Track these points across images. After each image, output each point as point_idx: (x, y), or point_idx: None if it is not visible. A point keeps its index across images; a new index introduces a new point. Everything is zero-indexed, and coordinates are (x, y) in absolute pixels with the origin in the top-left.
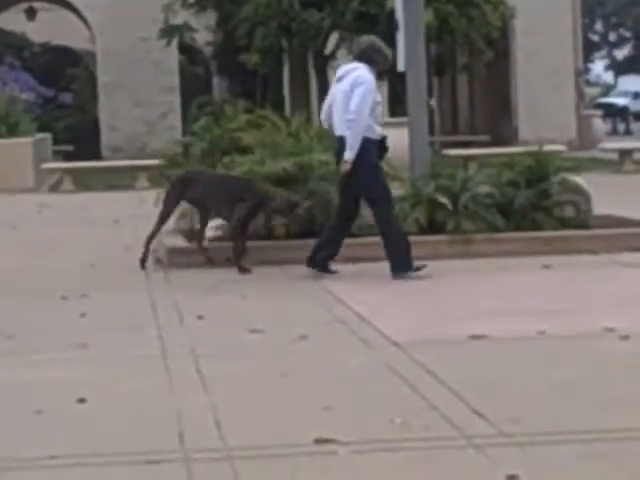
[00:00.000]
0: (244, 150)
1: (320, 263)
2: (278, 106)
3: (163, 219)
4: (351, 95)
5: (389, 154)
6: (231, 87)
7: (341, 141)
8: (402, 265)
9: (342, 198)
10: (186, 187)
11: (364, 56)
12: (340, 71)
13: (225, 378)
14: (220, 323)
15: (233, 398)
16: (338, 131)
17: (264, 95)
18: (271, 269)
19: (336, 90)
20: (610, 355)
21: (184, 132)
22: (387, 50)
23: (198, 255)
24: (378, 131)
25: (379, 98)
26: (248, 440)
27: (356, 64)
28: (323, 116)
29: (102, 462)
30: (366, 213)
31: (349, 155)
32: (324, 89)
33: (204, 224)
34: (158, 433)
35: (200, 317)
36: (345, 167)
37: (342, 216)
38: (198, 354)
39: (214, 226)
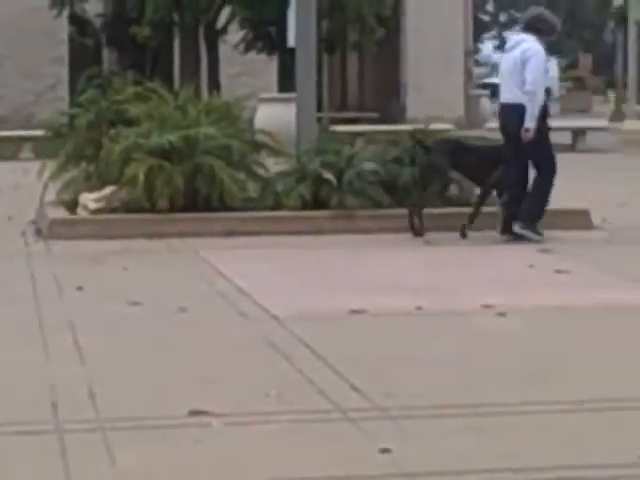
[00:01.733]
0: (130, 122)
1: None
2: (167, 79)
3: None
4: (521, 66)
5: (275, 129)
6: (121, 59)
7: (505, 108)
8: (531, 225)
9: (514, 167)
10: (453, 154)
11: (531, 27)
12: (509, 42)
13: (102, 350)
14: (100, 295)
15: (109, 370)
16: (503, 98)
17: (154, 68)
18: (154, 242)
19: (506, 59)
20: (487, 331)
21: (72, 104)
22: (554, 19)
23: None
24: (542, 98)
25: (547, 69)
26: (122, 411)
27: (524, 35)
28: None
29: None
30: (250, 187)
31: (531, 124)
32: (215, 63)
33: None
34: (31, 403)
35: (79, 288)
36: (528, 135)
37: (518, 185)
38: (76, 325)
39: (96, 198)
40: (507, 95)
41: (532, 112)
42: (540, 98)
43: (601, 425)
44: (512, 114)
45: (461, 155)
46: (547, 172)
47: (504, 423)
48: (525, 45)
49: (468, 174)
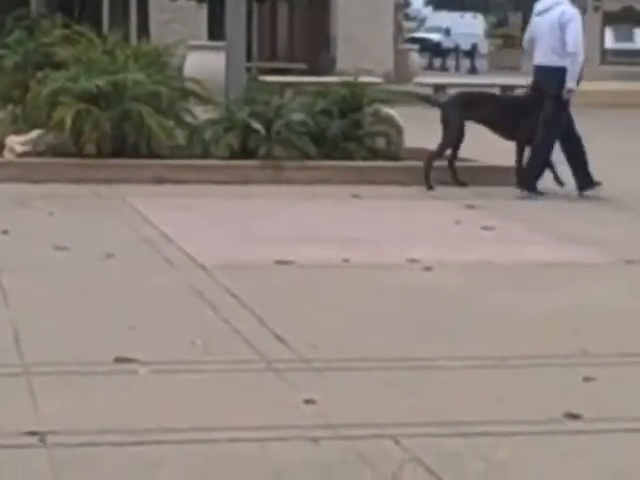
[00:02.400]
0: (58, 65)
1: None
2: (96, 24)
3: (450, 142)
4: (559, 30)
5: (204, 77)
6: (48, 2)
7: (540, 70)
8: (531, 185)
9: (549, 127)
10: (467, 107)
11: None
12: (540, 5)
13: (27, 294)
14: (25, 239)
15: (34, 315)
16: (538, 60)
17: (82, 12)
18: (81, 187)
19: (540, 22)
20: (412, 285)
21: None
22: None
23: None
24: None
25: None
26: (47, 357)
27: None
28: (526, 45)
29: None
30: (179, 135)
31: (572, 84)
32: (144, 9)
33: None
34: None
35: (5, 232)
36: (569, 95)
37: (547, 145)
38: (1, 269)
39: (23, 141)
40: (542, 58)
41: (573, 73)
42: (581, 59)
43: (524, 382)
44: (548, 76)
45: (477, 106)
46: (553, 133)
47: (427, 378)
48: (561, 8)
49: (489, 124)
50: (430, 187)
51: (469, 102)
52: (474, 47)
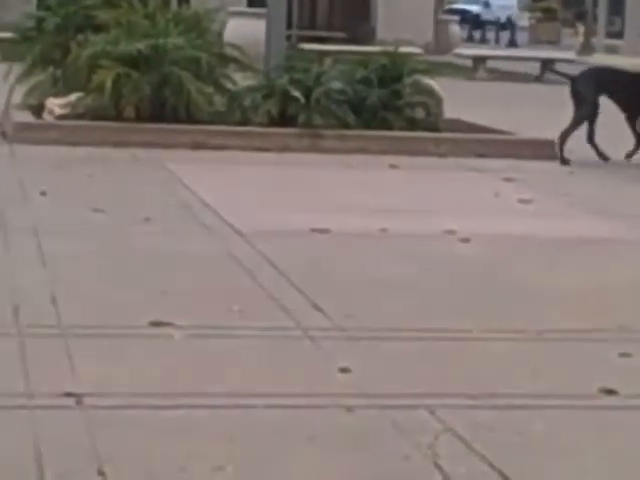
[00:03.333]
0: (98, 28)
1: None
2: None
3: (582, 119)
4: None
5: (244, 44)
6: None
7: None
8: None
9: None
10: (602, 83)
11: None
12: None
13: (65, 256)
14: (63, 200)
15: (71, 276)
16: None
17: None
18: (120, 150)
19: None
20: (449, 257)
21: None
22: None
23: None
24: None
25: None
26: (83, 319)
27: None
28: None
29: None
30: (218, 100)
31: None
32: None
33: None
34: None
35: (43, 193)
36: None
37: None
38: (39, 230)
39: (62, 103)
40: None
41: None
42: None
43: (559, 356)
44: None
45: (611, 82)
46: None
47: (463, 349)
48: None
49: (621, 101)
50: (564, 162)
51: (603, 77)
52: (509, 19)
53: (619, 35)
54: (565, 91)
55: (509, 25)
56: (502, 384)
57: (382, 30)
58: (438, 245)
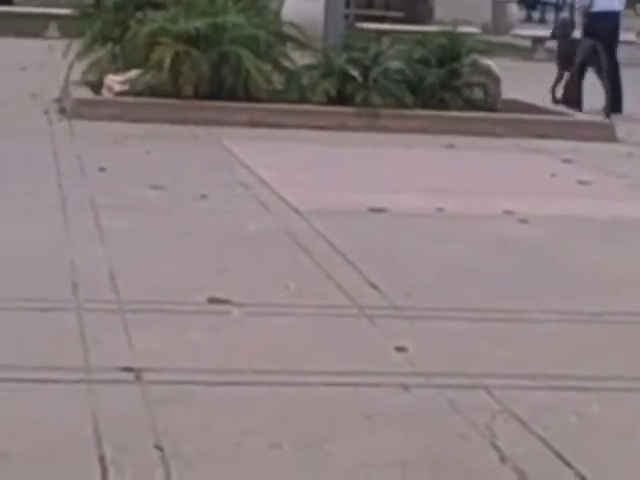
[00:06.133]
0: (157, 6)
1: None
2: None
3: None
4: None
5: (302, 22)
6: None
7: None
8: None
9: None
10: None
11: None
12: None
13: (123, 232)
14: (122, 177)
15: (129, 252)
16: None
17: None
18: (178, 128)
19: None
20: (507, 237)
21: None
22: None
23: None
24: None
25: None
26: (141, 294)
27: None
28: None
29: None
30: (276, 79)
31: None
32: None
33: None
34: (52, 281)
35: (102, 169)
36: None
37: None
38: (97, 206)
39: (121, 80)
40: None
41: None
42: None
43: (617, 338)
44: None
45: None
46: None
47: (520, 330)
48: None
49: None
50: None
51: None
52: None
53: None
54: (625, 73)
55: (564, 5)
56: (560, 365)
57: (440, 10)
58: (496, 226)
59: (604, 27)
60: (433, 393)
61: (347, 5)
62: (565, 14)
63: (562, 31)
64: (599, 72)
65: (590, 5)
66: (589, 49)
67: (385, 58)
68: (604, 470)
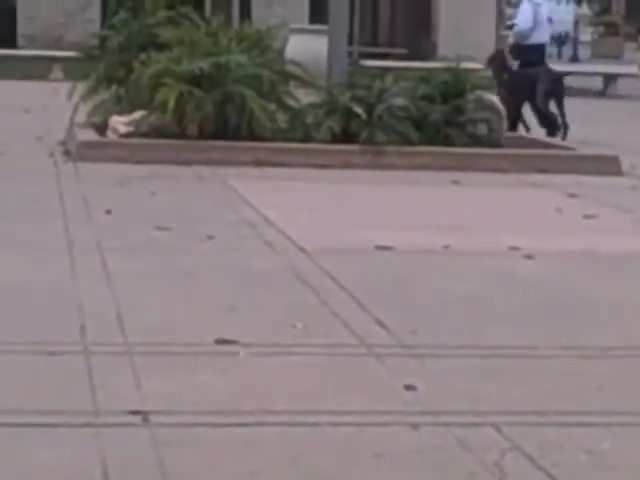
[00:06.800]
0: (161, 47)
1: None
2: (198, 6)
3: None
4: None
5: (306, 61)
6: None
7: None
8: None
9: None
10: None
11: None
12: None
13: (130, 273)
14: (127, 218)
15: (136, 294)
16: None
17: None
18: (183, 168)
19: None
20: (513, 273)
21: (103, 26)
22: None
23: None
24: None
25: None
26: (149, 336)
27: None
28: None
29: (1, 350)
30: (280, 118)
31: None
32: None
33: None
34: (59, 324)
35: (108, 211)
36: None
37: None
38: (104, 248)
39: (126, 121)
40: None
41: None
42: None
43: (626, 373)
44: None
45: None
46: None
47: (528, 366)
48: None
49: None
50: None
51: None
52: (566, 34)
53: None
54: (629, 106)
55: (566, 40)
56: (569, 401)
57: (443, 46)
58: (502, 262)
59: (539, 58)
60: (442, 431)
61: (350, 43)
62: (504, 47)
63: (503, 64)
64: (561, 103)
65: (526, 37)
66: (555, 79)
67: (389, 95)
68: None
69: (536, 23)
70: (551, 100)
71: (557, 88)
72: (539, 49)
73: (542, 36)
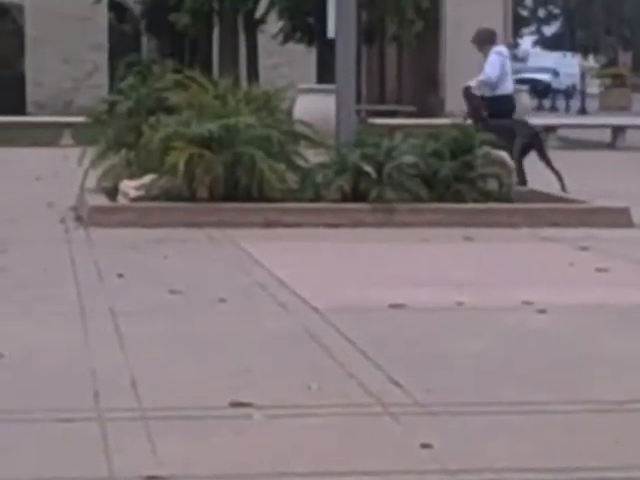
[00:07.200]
0: (170, 110)
1: None
2: (206, 68)
3: None
4: None
5: (314, 120)
6: (160, 47)
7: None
8: None
9: None
10: None
11: None
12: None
13: (143, 338)
14: (140, 282)
15: (150, 358)
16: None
17: (193, 56)
18: (194, 231)
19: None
20: (527, 328)
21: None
22: None
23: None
24: None
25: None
26: (163, 401)
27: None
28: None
29: (15, 419)
30: (290, 178)
31: None
32: (253, 53)
33: None
34: (73, 391)
35: (120, 275)
36: None
37: None
38: (116, 312)
39: (136, 185)
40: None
41: None
42: None
43: None
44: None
45: None
46: None
47: (544, 422)
48: None
49: None
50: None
51: None
52: (573, 87)
53: None
54: (638, 157)
55: (573, 93)
56: (587, 456)
57: (451, 102)
58: (515, 317)
59: (508, 109)
60: None
61: (358, 101)
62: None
63: (479, 112)
64: (544, 156)
65: (495, 87)
66: (533, 134)
67: (398, 153)
68: None
69: (503, 74)
70: (527, 154)
71: (536, 142)
72: (506, 99)
73: (509, 87)
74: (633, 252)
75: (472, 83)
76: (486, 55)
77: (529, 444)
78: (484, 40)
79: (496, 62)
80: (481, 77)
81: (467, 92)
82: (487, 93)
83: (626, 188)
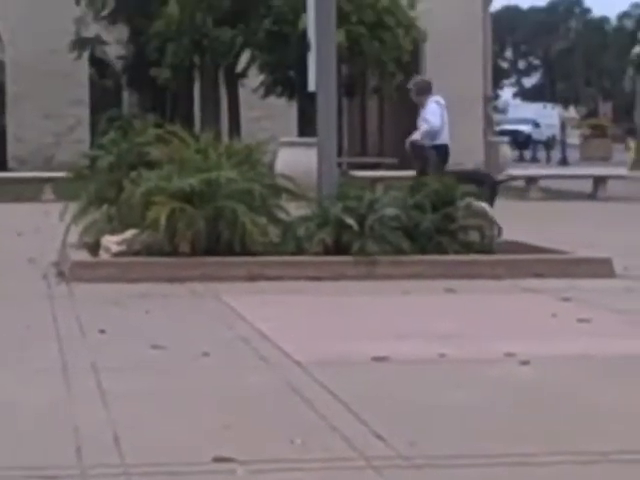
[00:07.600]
0: (151, 165)
1: None
2: (187, 122)
3: None
4: None
5: (296, 173)
6: (141, 102)
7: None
8: None
9: None
10: None
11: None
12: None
13: (125, 393)
14: (122, 338)
15: (133, 414)
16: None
17: (174, 111)
18: (176, 286)
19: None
20: (510, 380)
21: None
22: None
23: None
24: None
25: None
26: (146, 457)
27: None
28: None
29: None
30: (272, 231)
31: None
32: (235, 107)
33: None
34: (55, 448)
35: (102, 331)
36: None
37: None
38: (99, 368)
39: (118, 240)
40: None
41: None
42: None
43: (627, 477)
44: None
45: None
46: None
47: (527, 474)
48: None
49: None
50: None
51: None
52: (553, 137)
53: None
54: (619, 208)
55: (553, 143)
56: None
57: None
58: (498, 369)
59: (446, 158)
60: None
61: (340, 153)
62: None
63: (432, 161)
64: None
65: (435, 136)
66: (494, 184)
67: (380, 205)
68: None
69: (442, 123)
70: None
71: (494, 193)
72: (445, 149)
73: (446, 137)
74: (615, 302)
75: (417, 136)
76: (423, 105)
77: None
78: (422, 90)
79: (437, 111)
80: (425, 127)
81: (415, 146)
82: (427, 142)
83: (608, 238)
